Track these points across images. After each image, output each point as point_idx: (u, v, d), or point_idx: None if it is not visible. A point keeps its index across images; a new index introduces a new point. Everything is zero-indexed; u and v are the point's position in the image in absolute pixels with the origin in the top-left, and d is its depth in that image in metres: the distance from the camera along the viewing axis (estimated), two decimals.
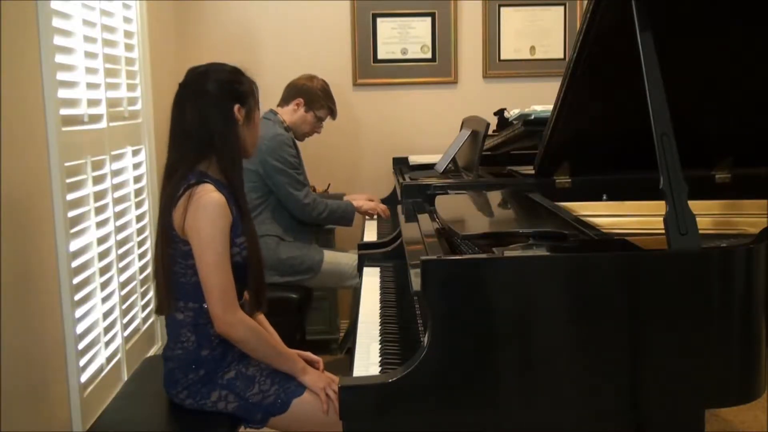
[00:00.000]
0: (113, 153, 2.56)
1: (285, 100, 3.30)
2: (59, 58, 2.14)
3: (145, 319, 2.83)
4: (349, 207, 3.30)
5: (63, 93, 2.18)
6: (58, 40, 2.14)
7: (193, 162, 1.89)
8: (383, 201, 3.55)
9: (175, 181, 1.88)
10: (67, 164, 2.16)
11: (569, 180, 2.40)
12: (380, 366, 1.67)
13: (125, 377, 2.52)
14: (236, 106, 1.91)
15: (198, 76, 1.92)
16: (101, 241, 2.40)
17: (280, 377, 1.90)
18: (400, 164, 3.67)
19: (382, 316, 2.00)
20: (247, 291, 1.96)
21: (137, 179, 2.84)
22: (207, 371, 1.89)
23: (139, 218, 2.80)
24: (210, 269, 1.81)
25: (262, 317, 2.10)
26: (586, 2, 2.31)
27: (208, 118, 1.88)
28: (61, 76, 2.16)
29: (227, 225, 1.84)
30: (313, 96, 3.26)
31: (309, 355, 2.05)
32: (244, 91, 1.93)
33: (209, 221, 1.81)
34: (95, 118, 2.44)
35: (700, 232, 1.48)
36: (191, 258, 1.84)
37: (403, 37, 3.92)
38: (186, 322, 1.90)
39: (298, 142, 3.32)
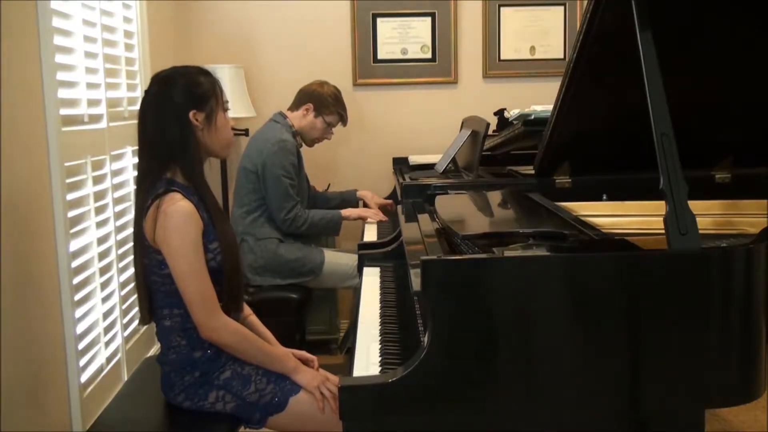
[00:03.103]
0: (113, 153, 2.56)
1: (295, 105, 3.30)
2: (59, 58, 2.14)
3: None
4: (336, 217, 3.26)
5: (63, 93, 2.18)
6: (58, 40, 2.14)
7: (159, 170, 1.87)
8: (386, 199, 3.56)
9: (144, 191, 1.87)
10: (67, 164, 2.16)
11: (569, 180, 2.40)
12: (380, 366, 1.67)
13: (125, 377, 2.52)
14: (192, 112, 1.87)
15: (158, 83, 1.90)
16: (101, 241, 2.40)
17: (276, 376, 1.90)
18: (400, 164, 3.68)
19: (382, 316, 2.00)
20: (224, 294, 1.92)
21: None
22: (202, 372, 1.89)
23: None
24: (187, 278, 1.80)
25: (254, 318, 2.10)
26: (586, 2, 2.31)
27: (166, 127, 1.87)
28: (61, 76, 2.16)
29: (198, 232, 1.83)
30: (323, 102, 3.25)
31: (304, 353, 2.04)
32: (201, 95, 1.89)
33: (179, 231, 1.80)
34: (95, 118, 2.44)
35: (700, 232, 1.48)
36: (166, 267, 1.83)
37: (403, 37, 3.92)
38: (174, 328, 1.90)
39: (302, 145, 3.32)
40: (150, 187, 1.86)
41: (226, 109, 1.97)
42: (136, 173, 2.76)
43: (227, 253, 1.90)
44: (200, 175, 1.92)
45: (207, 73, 1.95)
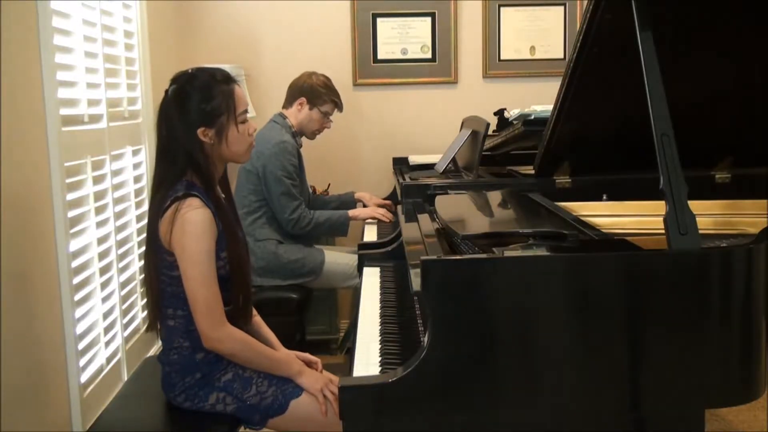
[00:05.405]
0: (113, 153, 2.56)
1: (288, 101, 3.28)
2: (59, 58, 2.14)
3: (145, 319, 2.83)
4: (343, 218, 3.25)
5: (63, 93, 2.17)
6: (58, 40, 2.14)
7: (174, 177, 1.87)
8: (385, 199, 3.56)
9: (163, 192, 1.86)
10: (67, 164, 2.16)
11: (569, 180, 2.40)
12: (380, 366, 1.67)
13: (125, 377, 2.52)
14: (201, 129, 1.86)
15: (174, 91, 1.88)
16: (101, 241, 2.40)
17: (277, 378, 1.90)
18: (400, 164, 3.67)
19: (382, 316, 2.00)
20: (234, 307, 1.91)
21: (137, 179, 2.83)
22: (203, 374, 1.89)
23: (139, 218, 2.80)
24: (196, 286, 1.80)
25: (258, 318, 2.09)
26: (586, 2, 2.31)
27: (177, 137, 1.86)
28: (61, 76, 2.16)
29: (213, 241, 1.83)
30: (315, 92, 3.23)
31: (307, 356, 2.04)
32: (211, 111, 1.86)
33: (194, 238, 1.79)
34: (95, 118, 2.44)
35: (700, 232, 1.49)
36: (176, 269, 1.83)
37: (403, 37, 3.92)
38: (178, 329, 1.89)
39: (302, 146, 3.31)
40: (169, 188, 1.85)
41: (242, 121, 1.91)
42: (136, 173, 2.79)
43: (237, 263, 1.89)
44: (214, 184, 1.91)
45: (226, 81, 1.90)
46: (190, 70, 1.92)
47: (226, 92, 1.89)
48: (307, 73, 3.29)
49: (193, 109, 1.86)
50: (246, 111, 1.94)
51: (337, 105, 3.31)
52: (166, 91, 1.90)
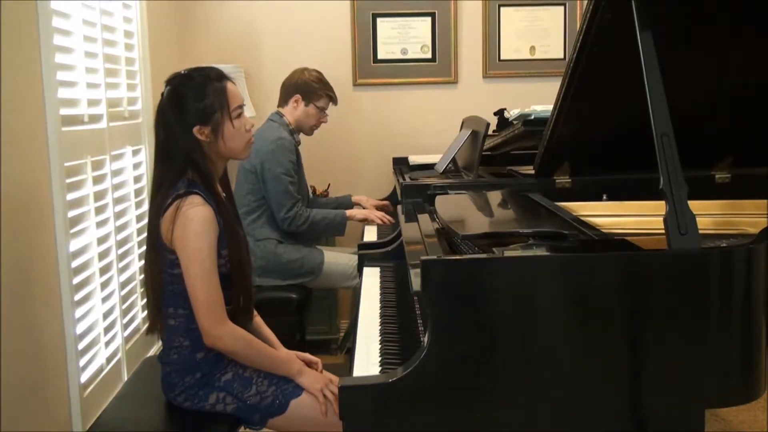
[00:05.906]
0: (113, 153, 2.56)
1: (283, 100, 3.27)
2: (59, 58, 2.14)
3: (145, 319, 2.83)
4: (339, 217, 3.24)
5: (63, 93, 2.18)
6: (58, 40, 2.14)
7: (176, 175, 1.87)
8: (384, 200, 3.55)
9: (164, 192, 1.86)
10: (67, 164, 2.16)
11: (569, 180, 2.40)
12: (380, 366, 1.67)
13: (125, 377, 2.52)
14: (196, 128, 1.86)
15: (168, 92, 1.89)
16: (101, 241, 2.40)
17: (277, 378, 1.90)
18: (400, 164, 3.67)
19: (382, 316, 2.00)
20: (235, 307, 1.91)
21: (137, 179, 2.84)
22: (203, 374, 1.89)
23: (139, 218, 2.80)
24: (197, 283, 1.80)
25: (258, 318, 2.09)
26: (586, 2, 2.31)
27: (174, 138, 1.87)
28: (61, 75, 2.16)
29: (214, 238, 1.83)
30: (309, 88, 3.23)
31: (307, 356, 2.04)
32: (205, 109, 1.86)
33: (196, 235, 1.80)
34: (95, 118, 2.44)
35: (700, 232, 1.48)
36: (177, 267, 1.83)
37: (403, 37, 3.92)
38: (178, 328, 1.89)
39: (300, 144, 3.31)
40: (170, 187, 1.86)
41: (238, 115, 1.92)
42: (136, 173, 2.79)
43: (238, 261, 1.89)
44: (214, 182, 1.92)
45: (218, 79, 1.91)
46: (183, 71, 1.93)
47: (218, 89, 1.89)
48: (299, 70, 3.28)
49: (189, 109, 1.86)
50: (241, 106, 1.94)
51: (332, 99, 3.31)
52: (162, 94, 1.91)
